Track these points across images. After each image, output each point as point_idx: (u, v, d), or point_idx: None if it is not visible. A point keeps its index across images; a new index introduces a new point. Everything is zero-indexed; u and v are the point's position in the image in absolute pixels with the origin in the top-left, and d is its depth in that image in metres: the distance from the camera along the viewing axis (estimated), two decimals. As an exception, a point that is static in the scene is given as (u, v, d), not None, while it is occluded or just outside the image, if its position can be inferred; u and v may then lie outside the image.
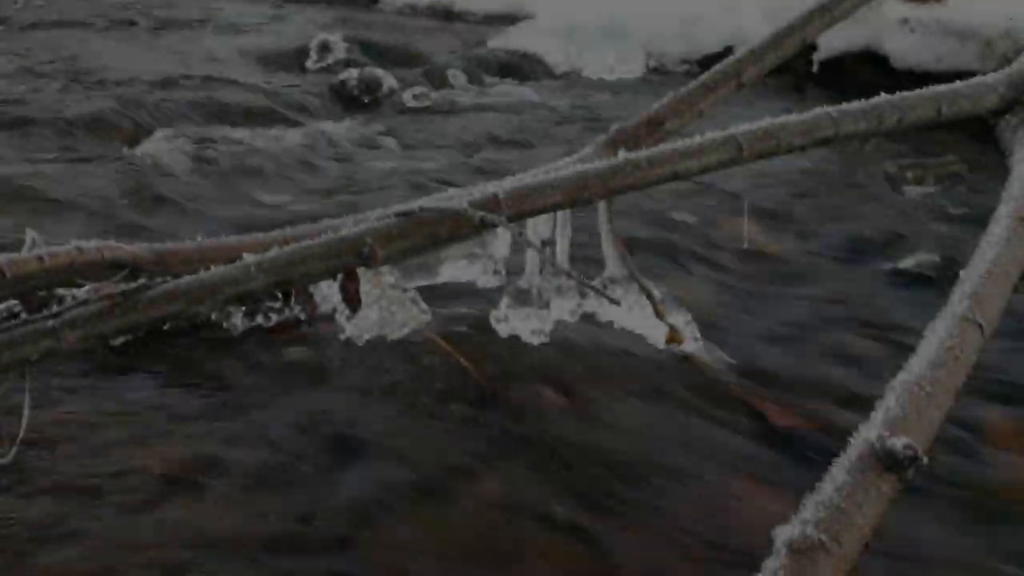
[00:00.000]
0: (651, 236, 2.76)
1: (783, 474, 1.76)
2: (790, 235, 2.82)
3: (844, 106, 1.81)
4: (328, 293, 2.29)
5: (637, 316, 2.18)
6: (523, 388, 2.00)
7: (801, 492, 1.17)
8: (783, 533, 1.09)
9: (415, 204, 1.61)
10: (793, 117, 1.77)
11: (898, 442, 1.14)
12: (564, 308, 2.19)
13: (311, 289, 2.26)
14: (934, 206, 3.05)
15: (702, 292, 2.45)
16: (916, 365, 1.29)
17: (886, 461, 1.14)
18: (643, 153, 1.70)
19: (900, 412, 1.21)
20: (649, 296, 2.11)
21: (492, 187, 1.68)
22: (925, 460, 1.14)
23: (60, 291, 1.94)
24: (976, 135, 3.47)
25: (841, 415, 1.91)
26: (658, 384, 2.06)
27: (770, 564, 1.07)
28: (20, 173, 3.15)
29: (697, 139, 1.73)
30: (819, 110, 1.80)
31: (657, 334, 2.16)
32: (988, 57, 3.99)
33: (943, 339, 1.32)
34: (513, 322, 2.16)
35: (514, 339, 2.13)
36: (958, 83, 1.96)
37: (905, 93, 1.88)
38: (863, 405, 1.36)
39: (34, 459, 1.73)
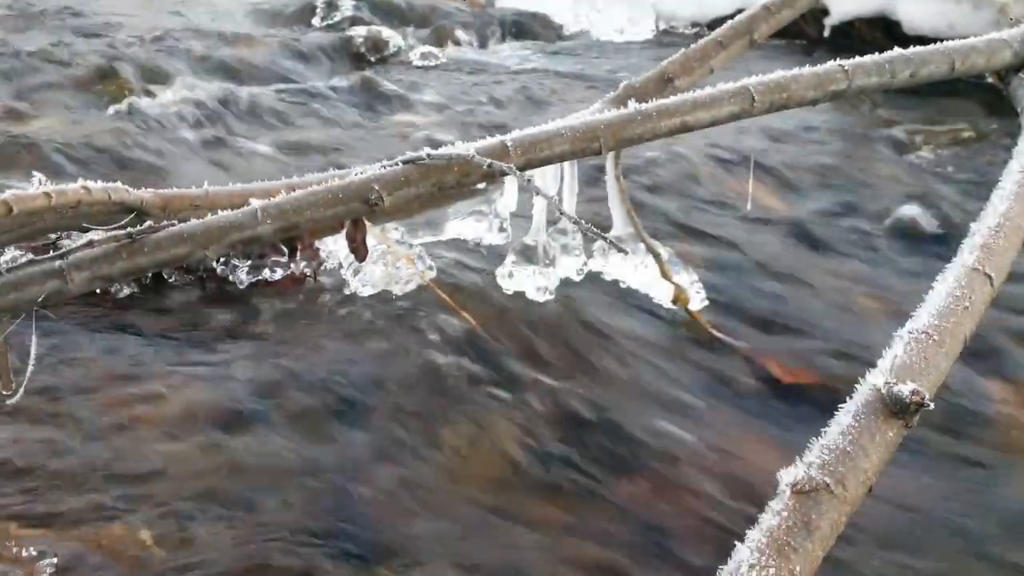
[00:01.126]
0: (655, 193, 2.75)
1: (788, 428, 1.77)
2: (799, 197, 2.80)
3: (857, 59, 1.79)
4: (334, 249, 2.29)
5: (643, 274, 2.18)
6: (525, 341, 2.00)
7: (803, 444, 1.17)
8: (788, 475, 1.09)
9: (422, 152, 1.60)
10: (806, 69, 1.76)
11: (905, 388, 1.14)
12: (570, 266, 2.19)
13: (316, 243, 2.27)
14: (944, 171, 3.02)
15: (707, 251, 2.44)
16: (924, 314, 1.28)
17: (892, 406, 1.14)
18: (653, 104, 1.68)
19: (907, 359, 1.20)
20: (655, 255, 2.10)
21: (501, 136, 1.66)
22: (931, 406, 1.13)
23: (65, 242, 1.95)
24: (987, 102, 3.45)
25: (845, 371, 1.91)
26: (663, 341, 2.07)
27: (775, 505, 1.07)
28: (29, 122, 3.14)
29: (708, 90, 1.72)
30: (831, 63, 1.78)
31: (663, 293, 2.15)
32: (1001, 23, 3.94)
33: (952, 289, 1.32)
34: (518, 279, 2.16)
35: (518, 295, 2.13)
36: (972, 39, 1.94)
37: (918, 48, 1.86)
38: (866, 361, 1.36)
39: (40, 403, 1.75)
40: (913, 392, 1.12)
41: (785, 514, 1.04)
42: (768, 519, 1.05)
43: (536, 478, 1.62)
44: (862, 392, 1.17)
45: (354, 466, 1.62)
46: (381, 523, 1.51)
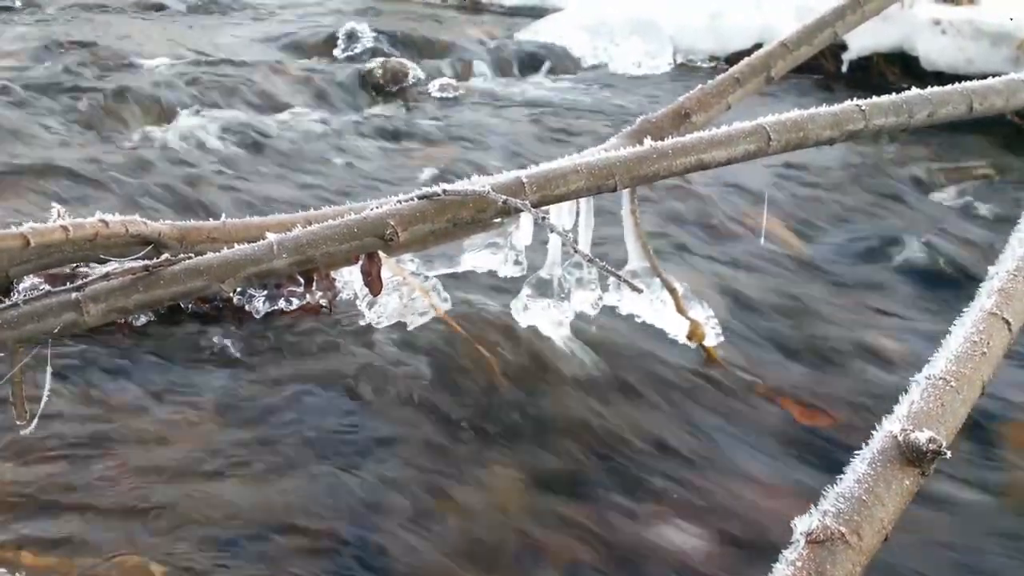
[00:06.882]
0: (668, 227, 2.75)
1: (804, 469, 1.75)
2: (815, 232, 2.79)
3: (874, 99, 1.78)
4: (350, 279, 2.29)
5: (658, 309, 2.17)
6: (540, 378, 1.99)
7: (820, 488, 1.16)
8: (802, 524, 1.08)
9: (438, 187, 1.60)
10: (823, 109, 1.75)
11: (922, 436, 1.12)
12: (585, 300, 2.18)
13: (332, 274, 2.27)
14: (961, 208, 3.01)
15: (720, 286, 2.43)
16: (942, 359, 1.27)
17: (909, 454, 1.12)
18: (669, 141, 1.68)
19: (924, 406, 1.19)
20: (671, 290, 2.09)
21: (516, 172, 1.66)
22: (948, 454, 1.12)
23: (83, 269, 1.96)
24: (1005, 136, 3.44)
25: (861, 411, 1.90)
26: (679, 378, 2.05)
27: (789, 555, 1.05)
28: (49, 152, 3.17)
29: (725, 128, 1.71)
30: (849, 103, 1.77)
31: (678, 328, 2.14)
32: (1020, 60, 3.94)
33: (970, 334, 1.30)
34: (533, 312, 2.15)
35: (533, 329, 2.13)
36: (991, 79, 1.93)
37: (936, 88, 1.86)
38: (882, 401, 1.34)
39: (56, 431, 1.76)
40: (930, 440, 1.11)
41: (799, 564, 1.03)
42: (782, 569, 1.03)
43: (536, 518, 1.61)
44: (878, 439, 1.16)
45: (366, 502, 1.62)
46: (399, 552, 1.50)
